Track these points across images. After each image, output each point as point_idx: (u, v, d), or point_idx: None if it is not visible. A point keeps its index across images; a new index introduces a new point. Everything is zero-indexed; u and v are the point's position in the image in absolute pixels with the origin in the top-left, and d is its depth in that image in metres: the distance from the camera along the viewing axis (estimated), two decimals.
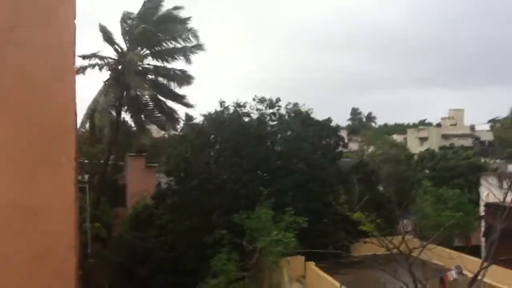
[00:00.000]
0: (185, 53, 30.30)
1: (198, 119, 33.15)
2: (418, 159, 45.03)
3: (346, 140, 34.13)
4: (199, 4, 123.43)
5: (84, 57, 29.18)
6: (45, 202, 2.22)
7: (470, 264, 14.96)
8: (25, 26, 2.24)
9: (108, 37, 29.94)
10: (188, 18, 30.27)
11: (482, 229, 26.14)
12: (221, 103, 26.76)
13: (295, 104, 27.44)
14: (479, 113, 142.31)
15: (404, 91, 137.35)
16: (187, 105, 31.88)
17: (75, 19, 2.45)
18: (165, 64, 30.82)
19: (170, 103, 31.77)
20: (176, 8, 30.21)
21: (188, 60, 30.33)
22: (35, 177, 2.18)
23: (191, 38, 30.12)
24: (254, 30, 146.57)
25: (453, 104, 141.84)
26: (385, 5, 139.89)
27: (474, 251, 24.22)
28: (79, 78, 29.41)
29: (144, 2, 30.32)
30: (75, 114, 2.50)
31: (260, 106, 26.68)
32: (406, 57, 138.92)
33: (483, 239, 25.53)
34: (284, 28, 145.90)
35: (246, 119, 26.73)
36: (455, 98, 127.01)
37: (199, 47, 30.24)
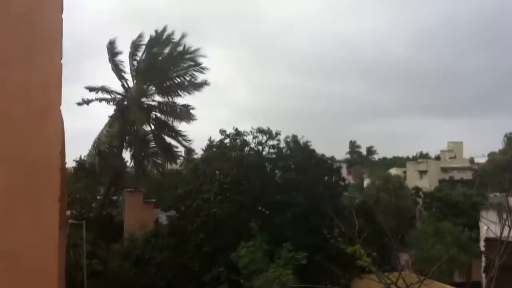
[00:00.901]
0: (190, 89, 30.70)
1: (199, 152, 33.36)
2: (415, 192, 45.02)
3: (345, 174, 34.01)
4: (201, 31, 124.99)
5: (91, 89, 29.69)
6: (25, 246, 2.18)
7: None
8: (6, 65, 2.25)
9: (116, 69, 30.41)
10: (196, 51, 30.56)
11: (483, 264, 25.82)
12: (222, 132, 26.92)
13: (294, 136, 27.57)
14: (479, 145, 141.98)
15: (402, 121, 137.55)
16: (188, 141, 32.06)
17: (61, 59, 2.47)
18: (170, 98, 31.17)
19: (171, 138, 31.96)
20: (186, 47, 30.59)
21: (192, 93, 30.75)
22: (15, 219, 2.15)
23: (196, 73, 30.57)
24: (251, 58, 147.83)
25: (452, 135, 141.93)
26: (384, 34, 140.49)
27: (475, 287, 23.87)
28: (85, 110, 30.00)
29: (151, 36, 30.58)
30: (62, 153, 2.49)
31: (259, 137, 26.86)
32: (403, 87, 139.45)
33: (483, 275, 25.19)
34: (281, 56, 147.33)
35: (246, 149, 26.85)
36: (454, 129, 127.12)
37: (204, 83, 30.59)
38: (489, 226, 16.28)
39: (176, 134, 31.62)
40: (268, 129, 26.83)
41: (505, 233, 10.84)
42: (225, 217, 23.68)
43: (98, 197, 33.29)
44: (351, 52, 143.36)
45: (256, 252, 20.26)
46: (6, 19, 2.36)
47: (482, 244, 25.78)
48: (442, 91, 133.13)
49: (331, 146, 79.42)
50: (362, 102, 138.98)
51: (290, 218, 23.83)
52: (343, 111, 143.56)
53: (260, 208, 25.40)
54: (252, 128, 26.86)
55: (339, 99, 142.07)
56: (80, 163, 32.68)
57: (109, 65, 30.58)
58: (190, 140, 31.98)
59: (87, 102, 29.72)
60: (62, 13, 2.52)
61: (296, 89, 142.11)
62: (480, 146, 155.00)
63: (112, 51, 30.42)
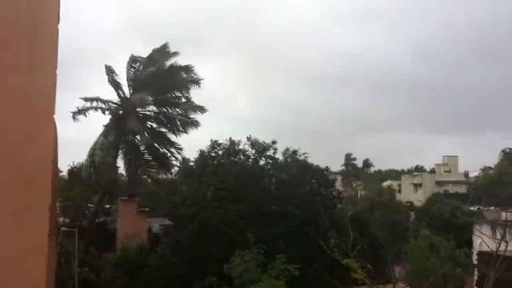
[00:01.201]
0: (187, 107, 30.97)
1: (194, 161, 33.28)
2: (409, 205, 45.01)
3: (340, 186, 33.98)
4: (199, 43, 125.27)
5: (86, 99, 29.83)
6: (13, 254, 2.17)
7: None
8: (0, 73, 2.25)
9: (113, 80, 30.55)
10: (192, 67, 30.95)
11: (475, 278, 25.71)
12: (214, 142, 26.84)
13: (294, 152, 27.53)
14: (475, 159, 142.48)
15: (398, 135, 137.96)
16: (180, 152, 32.13)
17: (56, 69, 2.49)
18: (166, 109, 31.32)
19: (165, 149, 31.99)
20: (186, 66, 30.89)
21: (188, 114, 30.97)
22: (4, 226, 2.14)
23: (193, 87, 30.87)
24: (251, 70, 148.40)
25: (448, 149, 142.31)
26: (384, 47, 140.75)
27: None
28: (81, 119, 30.04)
29: (153, 50, 31.05)
30: (54, 161, 2.50)
31: (254, 148, 26.79)
32: (401, 100, 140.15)
33: None
34: (281, 68, 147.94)
35: (241, 156, 26.78)
36: (450, 144, 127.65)
37: (200, 108, 30.93)
38: (483, 239, 16.27)
39: (171, 145, 31.70)
40: (263, 142, 26.82)
41: (499, 247, 10.86)
42: (220, 224, 23.58)
43: (90, 205, 33.16)
44: (351, 64, 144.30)
45: (250, 261, 20.14)
46: (1, 29, 2.37)
47: (475, 257, 25.69)
48: (439, 105, 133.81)
49: (327, 157, 79.39)
50: (360, 115, 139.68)
51: (285, 230, 23.76)
52: (341, 123, 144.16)
53: (256, 218, 25.29)
54: (247, 139, 26.84)
55: (337, 111, 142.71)
56: (73, 170, 32.62)
57: (105, 75, 30.71)
58: (182, 151, 32.12)
59: (82, 112, 29.82)
60: (58, 23, 2.54)
61: (294, 101, 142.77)
62: (475, 161, 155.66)
63: (110, 68, 30.63)
